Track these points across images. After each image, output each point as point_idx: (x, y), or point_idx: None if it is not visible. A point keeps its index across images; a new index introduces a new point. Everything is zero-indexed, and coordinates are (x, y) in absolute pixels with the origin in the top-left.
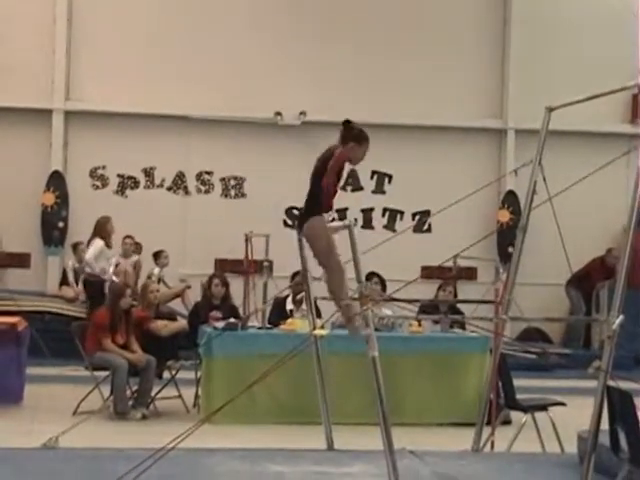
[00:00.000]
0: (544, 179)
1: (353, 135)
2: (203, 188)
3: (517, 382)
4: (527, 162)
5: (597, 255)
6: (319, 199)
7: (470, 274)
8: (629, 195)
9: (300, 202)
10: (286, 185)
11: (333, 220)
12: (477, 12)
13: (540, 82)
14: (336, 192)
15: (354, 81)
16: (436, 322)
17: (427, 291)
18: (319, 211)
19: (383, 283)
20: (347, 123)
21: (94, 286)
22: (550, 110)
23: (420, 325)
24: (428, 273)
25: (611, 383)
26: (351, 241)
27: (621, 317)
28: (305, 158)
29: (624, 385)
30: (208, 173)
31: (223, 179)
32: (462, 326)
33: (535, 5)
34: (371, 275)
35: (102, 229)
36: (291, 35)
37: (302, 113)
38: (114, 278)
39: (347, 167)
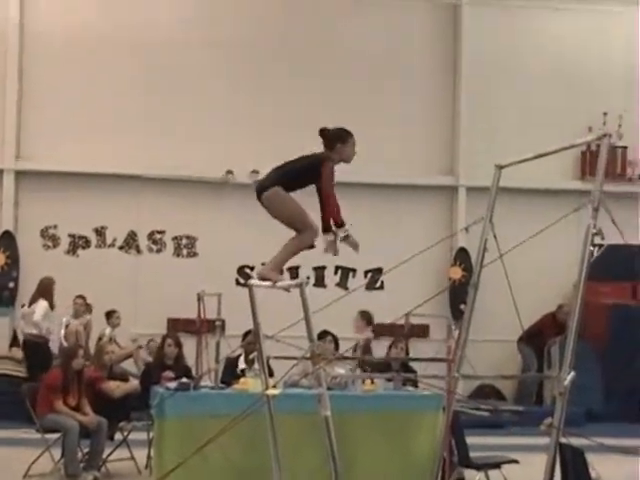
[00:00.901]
0: (495, 236)
1: (334, 137)
2: (155, 247)
3: (470, 440)
4: (478, 219)
5: (548, 311)
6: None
7: (423, 331)
8: (580, 251)
9: (252, 261)
10: (238, 244)
11: (347, 237)
12: (428, 71)
13: (491, 139)
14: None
15: (306, 139)
16: (389, 380)
17: (380, 349)
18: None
19: (336, 341)
20: (323, 131)
21: (38, 347)
22: (500, 168)
23: (373, 383)
24: (381, 331)
25: (563, 440)
26: (302, 300)
27: (572, 374)
28: (256, 217)
29: (576, 441)
30: (160, 232)
31: (175, 238)
32: (415, 384)
33: (486, 62)
34: (324, 334)
35: (46, 290)
36: (242, 94)
37: (254, 171)
38: (63, 339)
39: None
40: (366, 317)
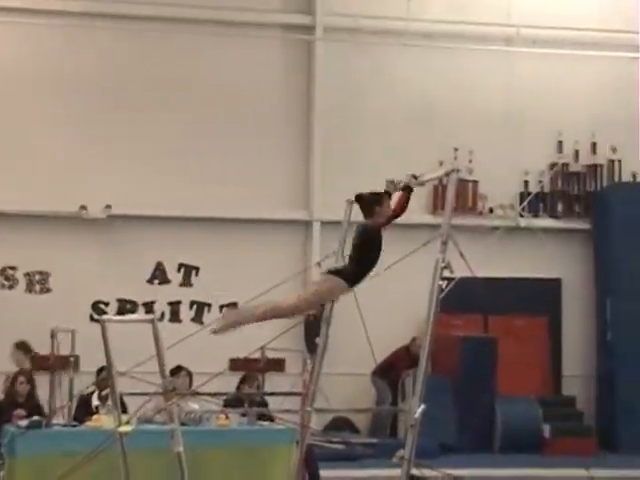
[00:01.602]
0: None
1: (372, 202)
2: (7, 283)
3: (325, 473)
4: (330, 254)
5: (402, 344)
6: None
7: (278, 365)
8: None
9: (107, 296)
10: (92, 279)
11: None
12: (283, 107)
13: (346, 174)
14: None
15: (161, 174)
16: (243, 415)
17: (235, 383)
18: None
19: (190, 376)
20: (358, 198)
21: None
22: (351, 203)
23: (227, 418)
24: (236, 365)
25: (415, 471)
26: (154, 335)
27: (423, 406)
28: (110, 252)
29: (428, 473)
30: (12, 268)
31: (27, 274)
32: (270, 419)
33: (341, 98)
34: (177, 369)
35: None
36: (97, 129)
37: (107, 207)
38: None
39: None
40: (23, 348)
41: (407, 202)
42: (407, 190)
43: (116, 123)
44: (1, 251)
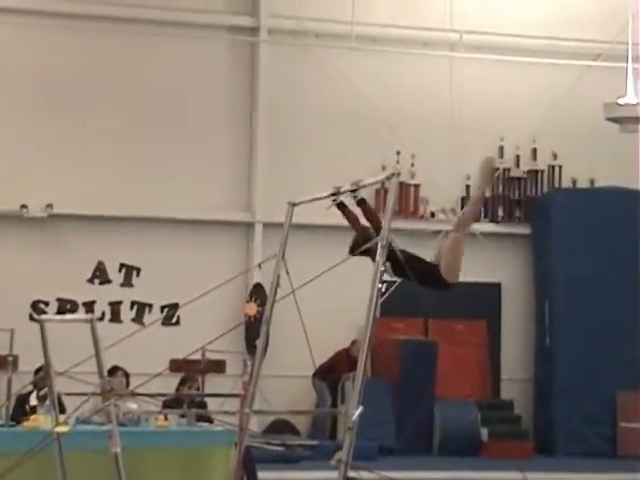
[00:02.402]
0: (287, 272)
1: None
2: None
3: (265, 475)
4: (271, 255)
5: (343, 347)
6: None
7: (219, 367)
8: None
9: (46, 295)
10: (32, 278)
11: None
12: (227, 108)
13: (289, 176)
14: None
15: (102, 173)
16: (182, 416)
17: (175, 385)
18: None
19: (127, 377)
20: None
21: None
22: (293, 205)
23: (167, 419)
24: (176, 366)
25: (353, 474)
26: (93, 336)
27: (360, 408)
28: (51, 251)
29: (366, 475)
30: None
31: None
32: (209, 420)
33: (285, 101)
34: (114, 369)
35: None
36: (38, 128)
37: (49, 206)
38: None
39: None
40: None
41: (370, 212)
42: (362, 204)
43: (58, 122)
44: None
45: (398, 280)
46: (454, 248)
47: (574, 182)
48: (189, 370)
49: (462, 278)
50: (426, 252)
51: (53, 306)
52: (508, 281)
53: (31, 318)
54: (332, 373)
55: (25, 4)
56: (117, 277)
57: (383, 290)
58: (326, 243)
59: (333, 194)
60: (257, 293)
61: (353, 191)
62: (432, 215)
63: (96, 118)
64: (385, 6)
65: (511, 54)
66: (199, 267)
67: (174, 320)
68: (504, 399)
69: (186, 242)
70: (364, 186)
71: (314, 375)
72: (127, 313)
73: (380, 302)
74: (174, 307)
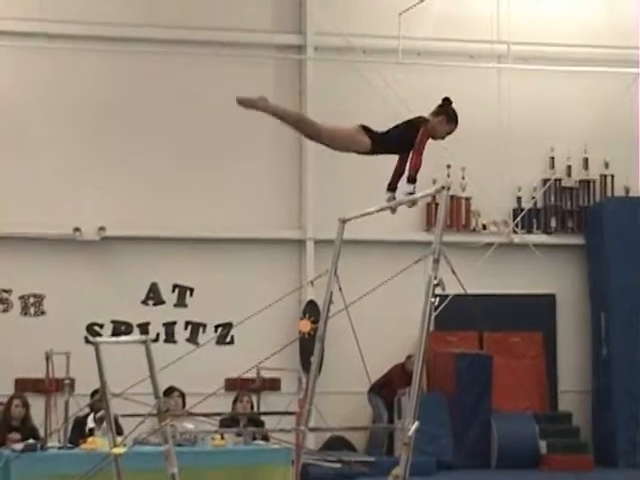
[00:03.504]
0: (340, 288)
1: (447, 111)
2: (2, 307)
3: None
4: (323, 272)
5: (398, 362)
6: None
7: (274, 385)
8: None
9: (101, 318)
10: (86, 301)
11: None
12: (274, 127)
13: (338, 192)
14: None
15: (154, 195)
16: (239, 435)
17: (231, 403)
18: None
19: (183, 397)
20: (446, 100)
21: None
22: (343, 222)
23: (223, 438)
24: (231, 385)
25: None
26: (148, 356)
27: (417, 423)
28: (105, 274)
29: None
30: (6, 291)
31: (22, 297)
32: (266, 438)
33: (331, 117)
34: (170, 390)
35: None
36: (89, 151)
37: (101, 228)
38: None
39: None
40: None
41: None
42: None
43: (108, 145)
44: None
45: (451, 294)
46: (336, 140)
47: (627, 191)
48: (244, 388)
49: (517, 290)
50: (478, 265)
51: (108, 328)
52: (563, 292)
53: (86, 341)
54: (388, 388)
55: (69, 29)
56: (170, 298)
57: (436, 304)
58: (378, 258)
59: (383, 209)
60: (310, 310)
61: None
62: (484, 227)
63: (147, 140)
64: (431, 19)
65: (559, 64)
66: (252, 286)
67: (228, 339)
68: (562, 411)
69: (238, 261)
70: (415, 199)
71: (370, 391)
72: (181, 333)
73: (434, 316)
74: (228, 326)
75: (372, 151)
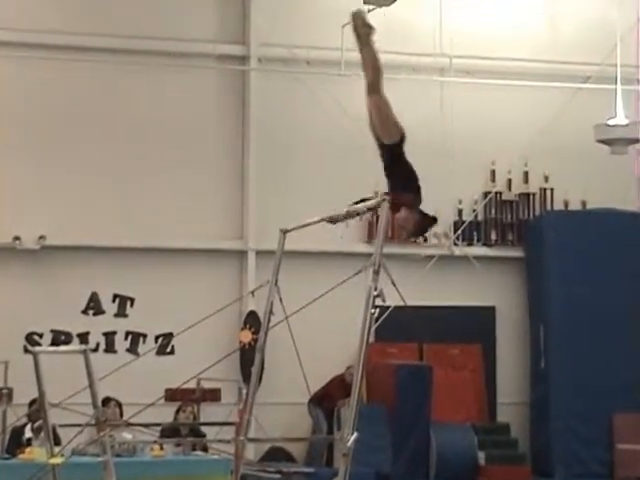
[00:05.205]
0: (280, 299)
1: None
2: None
3: None
4: (264, 283)
5: (338, 373)
6: None
7: (214, 395)
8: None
9: (40, 327)
10: (26, 310)
11: None
12: (218, 137)
13: (280, 203)
14: None
15: (94, 204)
16: (178, 445)
17: (171, 414)
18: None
19: (120, 407)
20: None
21: None
22: (284, 232)
23: (162, 449)
24: (171, 395)
25: None
26: (87, 366)
27: (356, 434)
28: (45, 283)
29: None
30: None
31: None
32: (205, 449)
33: (275, 128)
34: (107, 400)
35: None
36: (30, 160)
37: (41, 237)
38: None
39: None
40: None
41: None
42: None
43: (50, 154)
44: None
45: (391, 306)
46: (377, 112)
47: (566, 204)
48: (184, 399)
49: (457, 302)
50: (419, 277)
51: (47, 338)
52: (502, 304)
53: (25, 350)
54: (327, 399)
55: (15, 37)
56: (111, 308)
57: (376, 315)
58: (318, 269)
59: (324, 220)
60: (251, 321)
61: (345, 218)
62: (425, 240)
63: (86, 149)
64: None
65: (501, 77)
66: (193, 296)
67: (169, 349)
68: (501, 422)
69: (179, 271)
70: (356, 212)
71: (309, 402)
72: (121, 343)
73: (374, 327)
74: (168, 336)
75: (391, 152)
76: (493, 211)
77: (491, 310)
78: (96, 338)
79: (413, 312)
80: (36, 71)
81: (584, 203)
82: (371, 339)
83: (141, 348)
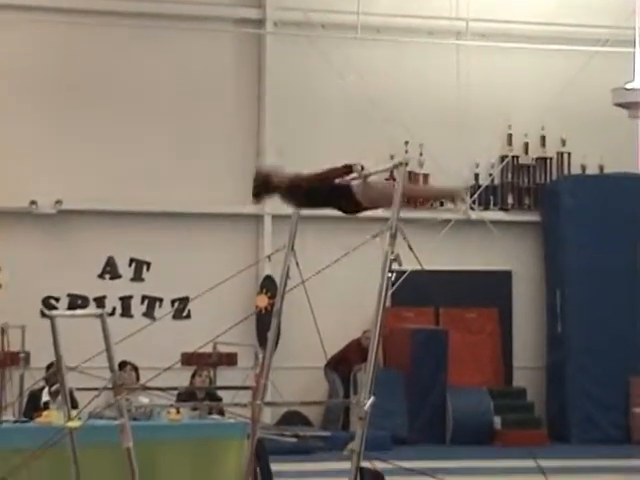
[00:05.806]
0: (297, 264)
1: None
2: None
3: (278, 466)
4: (280, 247)
5: (354, 337)
6: None
7: (230, 359)
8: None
9: (57, 292)
10: (42, 275)
11: None
12: (233, 102)
13: (296, 167)
14: None
15: (110, 169)
16: (194, 409)
17: (187, 378)
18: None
19: (136, 370)
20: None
21: None
22: None
23: (178, 412)
24: (188, 359)
25: (366, 464)
26: (104, 330)
27: (372, 398)
28: (61, 247)
29: (380, 465)
30: None
31: None
32: (221, 412)
33: (290, 92)
34: (123, 364)
35: None
36: (47, 125)
37: (58, 202)
38: None
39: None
40: None
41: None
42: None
43: (67, 118)
44: None
45: (408, 270)
46: (388, 197)
47: (583, 169)
48: (200, 363)
49: (473, 267)
50: (435, 241)
51: (64, 302)
52: (519, 269)
53: (42, 314)
54: (344, 364)
55: (38, 2)
56: (127, 272)
57: (393, 279)
58: (335, 234)
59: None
60: (267, 285)
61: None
62: (441, 204)
63: (106, 114)
64: None
65: (518, 41)
66: (209, 260)
67: (185, 314)
68: (517, 387)
69: (195, 236)
70: (371, 174)
71: (326, 366)
72: (138, 308)
73: (390, 292)
74: (184, 301)
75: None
76: (510, 175)
77: (507, 274)
78: (112, 302)
79: (429, 276)
80: (52, 36)
81: (601, 167)
82: (387, 303)
83: (157, 312)
